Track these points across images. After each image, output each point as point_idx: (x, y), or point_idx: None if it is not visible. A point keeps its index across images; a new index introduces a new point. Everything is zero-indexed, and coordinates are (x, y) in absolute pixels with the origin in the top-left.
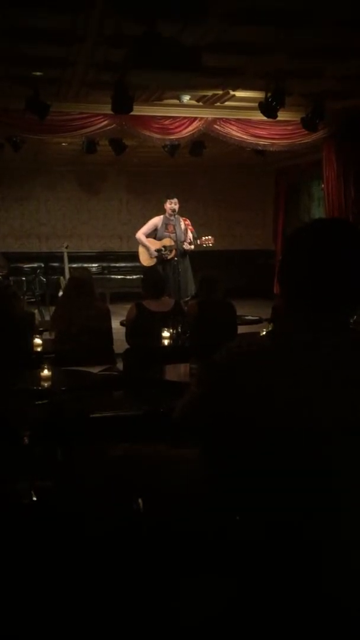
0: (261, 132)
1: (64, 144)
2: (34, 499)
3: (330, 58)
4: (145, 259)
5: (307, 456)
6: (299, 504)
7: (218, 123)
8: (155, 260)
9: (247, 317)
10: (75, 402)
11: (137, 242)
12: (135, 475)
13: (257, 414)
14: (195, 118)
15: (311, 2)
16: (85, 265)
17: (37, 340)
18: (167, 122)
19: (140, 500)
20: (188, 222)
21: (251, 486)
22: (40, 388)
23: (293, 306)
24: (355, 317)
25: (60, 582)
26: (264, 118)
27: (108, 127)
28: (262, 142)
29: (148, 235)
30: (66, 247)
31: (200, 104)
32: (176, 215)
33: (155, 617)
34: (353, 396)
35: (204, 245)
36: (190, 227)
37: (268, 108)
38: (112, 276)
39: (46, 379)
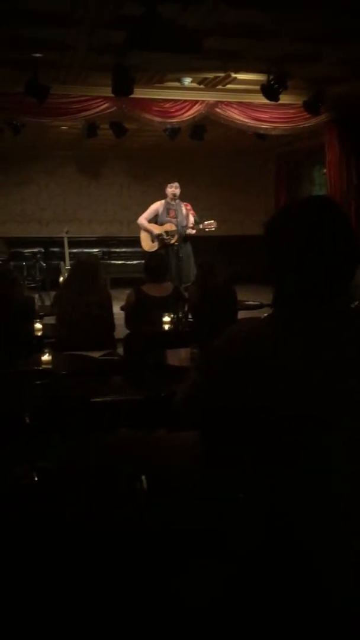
0: (263, 116)
1: (63, 127)
2: (35, 479)
3: (331, 42)
4: (147, 244)
5: (307, 443)
6: (300, 489)
7: (219, 106)
8: (157, 245)
9: (248, 303)
10: (76, 386)
11: (138, 227)
12: (135, 459)
13: (257, 400)
14: (197, 101)
15: None
16: (86, 250)
17: (38, 325)
18: (168, 105)
19: (143, 478)
20: (189, 206)
21: (251, 472)
22: (40, 370)
23: (290, 290)
24: (356, 302)
25: (61, 563)
26: (266, 101)
27: (108, 110)
28: (263, 125)
29: (150, 221)
30: (67, 233)
31: (202, 86)
32: (177, 200)
33: (157, 599)
34: (355, 382)
35: (207, 229)
36: (191, 211)
37: (270, 91)
38: (113, 261)
39: (47, 363)
